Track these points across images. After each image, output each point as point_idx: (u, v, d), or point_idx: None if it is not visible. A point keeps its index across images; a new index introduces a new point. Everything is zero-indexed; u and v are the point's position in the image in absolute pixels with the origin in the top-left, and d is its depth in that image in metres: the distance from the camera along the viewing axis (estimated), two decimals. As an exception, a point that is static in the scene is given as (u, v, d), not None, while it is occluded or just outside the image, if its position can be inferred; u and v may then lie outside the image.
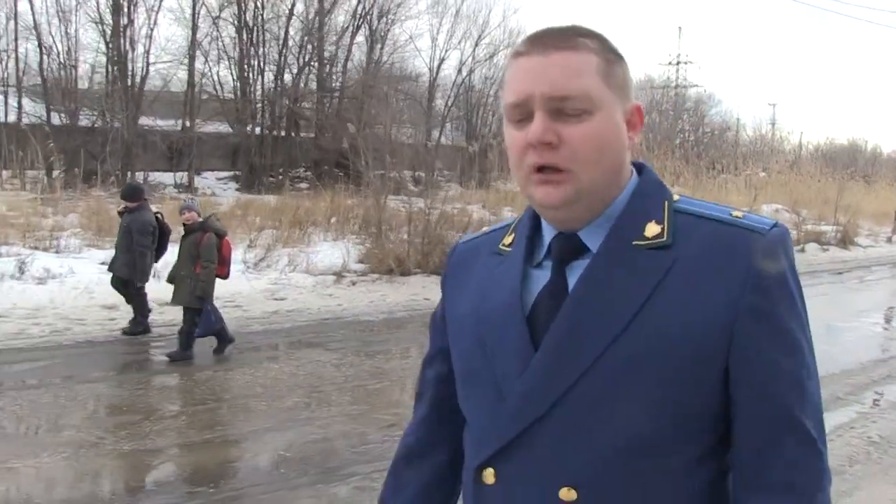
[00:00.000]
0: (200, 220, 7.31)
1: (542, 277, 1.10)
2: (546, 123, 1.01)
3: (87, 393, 6.10)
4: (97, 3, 22.13)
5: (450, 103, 28.37)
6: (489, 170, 26.74)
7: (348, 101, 25.62)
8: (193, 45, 23.58)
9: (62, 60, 22.66)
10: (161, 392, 6.30)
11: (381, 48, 26.64)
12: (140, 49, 22.86)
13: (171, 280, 7.43)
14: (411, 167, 26.90)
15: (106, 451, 4.86)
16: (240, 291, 9.48)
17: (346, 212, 14.97)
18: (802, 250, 17.07)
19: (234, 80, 25.56)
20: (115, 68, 22.40)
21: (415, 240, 11.08)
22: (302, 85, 25.81)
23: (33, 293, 9.11)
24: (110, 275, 8.29)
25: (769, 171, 28.92)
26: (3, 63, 22.30)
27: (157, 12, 22.33)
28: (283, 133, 25.31)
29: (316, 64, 25.67)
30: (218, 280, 7.31)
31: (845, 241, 18.59)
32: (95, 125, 21.83)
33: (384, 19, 26.43)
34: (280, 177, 24.50)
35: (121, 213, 8.29)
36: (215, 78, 25.26)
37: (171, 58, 24.10)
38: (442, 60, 27.83)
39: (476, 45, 27.99)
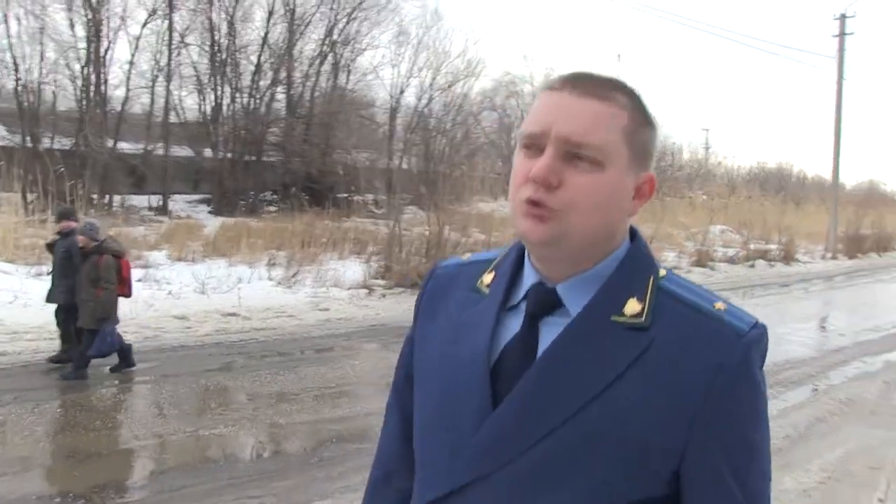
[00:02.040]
0: (97, 242, 7.53)
1: (513, 325, 1.10)
2: (553, 163, 1.02)
3: (211, 382, 7.50)
4: (72, 28, 23.09)
5: (410, 129, 30.04)
6: (449, 193, 28.53)
7: (316, 127, 27.03)
8: (168, 70, 24.66)
9: (29, 84, 23.45)
10: (284, 380, 7.69)
11: (348, 76, 28.24)
12: (115, 73, 23.95)
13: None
14: (374, 190, 28.51)
15: (263, 424, 6.33)
16: (286, 303, 10.96)
17: (342, 233, 16.45)
18: (752, 266, 19.64)
19: (202, 104, 26.75)
20: (92, 93, 23.33)
21: (431, 257, 12.70)
22: (263, 110, 27.10)
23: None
24: (55, 305, 8.05)
25: (710, 195, 31.48)
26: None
27: (139, 39, 23.39)
28: (253, 157, 26.51)
29: (284, 90, 27.06)
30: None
31: (787, 257, 21.13)
32: (73, 149, 22.66)
33: (349, 47, 28.05)
34: (251, 200, 25.72)
35: (50, 246, 8.24)
36: (182, 102, 26.43)
37: (146, 83, 25.16)
38: (403, 90, 29.54)
39: (436, 73, 29.82)
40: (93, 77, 23.28)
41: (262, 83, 26.40)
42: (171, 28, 24.26)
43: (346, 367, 8.19)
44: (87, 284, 7.39)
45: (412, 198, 29.03)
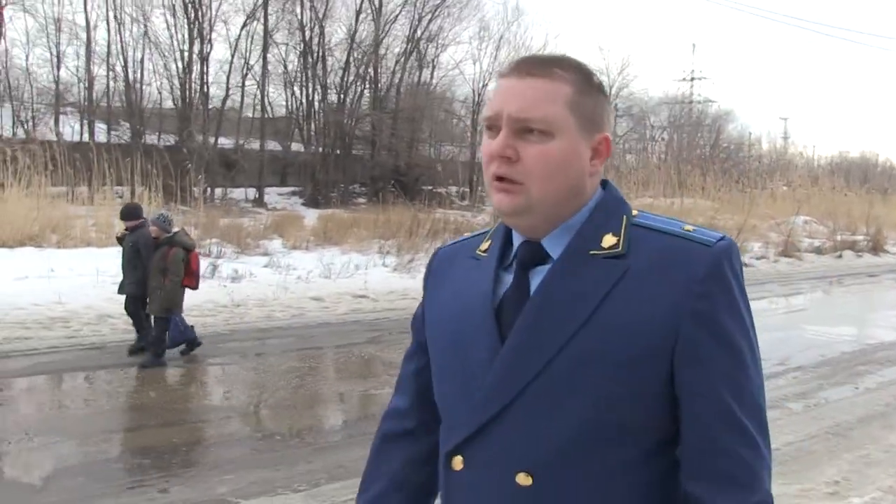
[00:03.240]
0: (169, 234, 7.91)
1: (509, 280, 1.25)
2: (507, 140, 1.18)
3: (364, 353, 8.67)
4: (173, 31, 24.79)
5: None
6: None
7: (402, 122, 28.29)
8: (264, 69, 26.19)
9: (135, 85, 25.23)
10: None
11: (432, 71, 29.44)
12: (211, 73, 25.61)
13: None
14: (460, 182, 29.57)
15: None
16: (407, 287, 12.17)
17: (443, 224, 17.63)
18: (840, 256, 20.18)
19: (290, 101, 28.24)
20: (194, 92, 25.02)
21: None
22: (352, 106, 28.48)
23: (241, 289, 11.55)
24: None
25: (792, 186, 31.65)
26: (86, 89, 24.93)
27: (238, 39, 24.95)
28: (340, 151, 27.91)
29: (371, 86, 28.40)
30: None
31: (876, 248, 21.55)
32: (177, 145, 24.34)
33: (433, 44, 29.23)
34: (342, 192, 27.13)
35: (120, 239, 8.57)
36: (273, 100, 28.00)
37: (238, 81, 26.77)
38: (486, 84, 30.55)
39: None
40: (195, 77, 24.96)
41: (349, 80, 27.79)
42: (266, 30, 25.77)
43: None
44: (156, 273, 7.78)
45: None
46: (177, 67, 25.28)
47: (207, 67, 24.90)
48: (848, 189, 32.22)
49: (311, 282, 12.26)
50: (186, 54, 24.96)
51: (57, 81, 25.07)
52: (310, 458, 5.39)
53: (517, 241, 1.27)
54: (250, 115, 27.86)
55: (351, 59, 27.34)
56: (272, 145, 27.85)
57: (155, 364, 7.64)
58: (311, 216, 20.98)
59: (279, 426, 6.20)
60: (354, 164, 28.11)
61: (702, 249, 1.16)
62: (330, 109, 27.53)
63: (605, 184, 1.28)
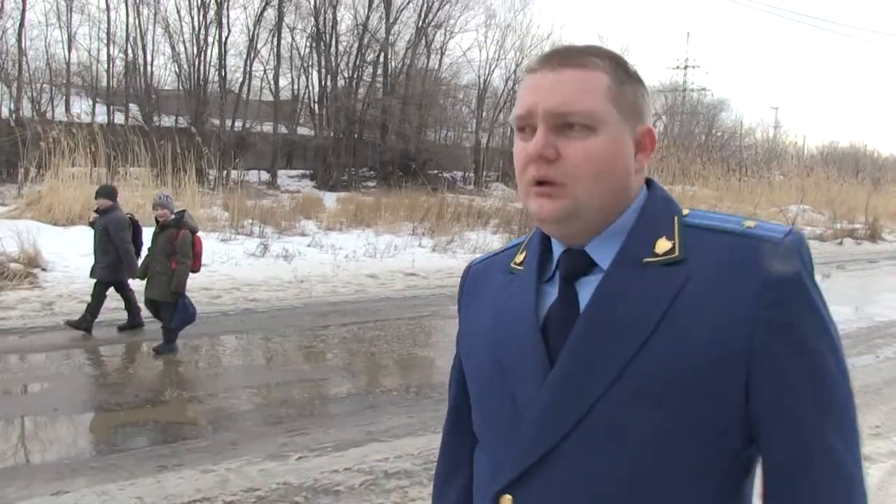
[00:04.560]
0: (174, 216, 7.82)
1: (552, 293, 1.15)
2: (547, 138, 1.08)
3: (434, 325, 9.72)
4: (183, 15, 25.53)
5: (498, 110, 32.09)
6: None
7: (411, 107, 29.25)
8: (278, 54, 27.03)
9: (145, 67, 25.94)
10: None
11: (440, 58, 30.38)
12: (232, 59, 26.42)
13: (143, 276, 7.98)
14: (465, 167, 30.60)
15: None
16: (452, 266, 13.23)
17: (467, 207, 18.71)
18: (841, 244, 21.58)
19: (297, 85, 29.07)
20: (210, 75, 25.83)
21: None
22: (363, 91, 29.38)
23: (300, 267, 12.54)
24: (92, 278, 8.42)
25: (788, 175, 32.93)
26: (105, 71, 25.64)
27: (257, 24, 25.76)
28: (350, 135, 28.86)
29: (381, 72, 29.32)
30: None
31: (874, 236, 22.95)
32: (191, 127, 25.13)
33: (441, 31, 30.17)
34: (352, 176, 28.09)
35: (91, 224, 8.64)
36: (290, 84, 28.83)
37: (249, 65, 27.57)
38: (492, 71, 31.56)
39: (523, 56, 31.76)
40: (211, 60, 25.77)
41: (359, 65, 28.68)
42: (280, 16, 26.59)
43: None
44: (161, 257, 7.70)
45: (498, 175, 31.25)
46: (186, 51, 26.03)
47: (225, 51, 25.67)
48: (842, 179, 33.54)
49: (359, 260, 13.27)
50: (201, 38, 25.72)
51: (68, 63, 25.74)
52: (434, 408, 6.40)
53: (558, 249, 1.18)
54: (256, 98, 28.68)
55: (361, 45, 28.22)
56: (281, 129, 28.71)
57: (169, 351, 7.62)
58: (328, 199, 21.88)
59: (393, 383, 7.27)
60: (364, 149, 29.04)
61: (769, 248, 1.06)
62: (341, 94, 28.41)
63: (649, 183, 1.20)
